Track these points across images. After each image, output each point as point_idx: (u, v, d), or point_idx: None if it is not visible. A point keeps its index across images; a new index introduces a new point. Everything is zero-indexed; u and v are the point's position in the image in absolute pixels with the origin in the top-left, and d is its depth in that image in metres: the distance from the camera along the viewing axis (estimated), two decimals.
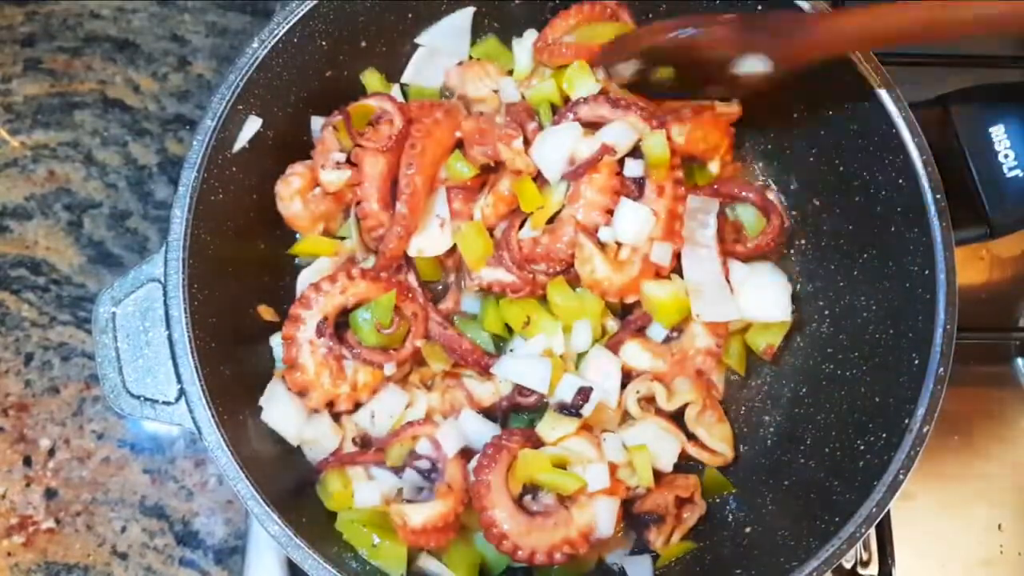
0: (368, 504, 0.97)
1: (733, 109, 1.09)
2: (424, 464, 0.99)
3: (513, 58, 1.15)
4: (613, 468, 0.98)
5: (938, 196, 0.91)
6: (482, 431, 1.00)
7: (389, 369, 1.00)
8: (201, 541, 1.13)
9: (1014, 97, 1.00)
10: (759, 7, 1.03)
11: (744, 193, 1.11)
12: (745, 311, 1.06)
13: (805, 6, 0.98)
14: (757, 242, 1.09)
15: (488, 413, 1.04)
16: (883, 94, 0.95)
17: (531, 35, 1.15)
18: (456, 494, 0.95)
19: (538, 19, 1.16)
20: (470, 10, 1.14)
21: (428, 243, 1.03)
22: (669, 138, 1.03)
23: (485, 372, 1.03)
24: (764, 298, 1.07)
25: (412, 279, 1.05)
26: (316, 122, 1.08)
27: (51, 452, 1.15)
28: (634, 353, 1.05)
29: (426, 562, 0.97)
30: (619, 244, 1.03)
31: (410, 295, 1.02)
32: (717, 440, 1.05)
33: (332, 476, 0.98)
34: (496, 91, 1.11)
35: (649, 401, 1.05)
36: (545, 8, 1.15)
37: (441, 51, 1.14)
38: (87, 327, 1.20)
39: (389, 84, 1.14)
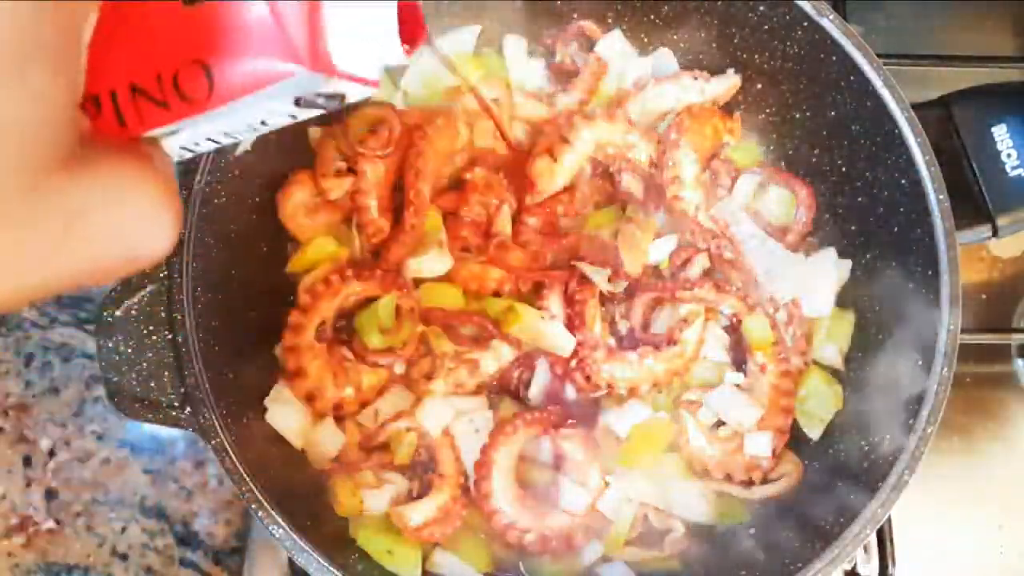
0: (379, 509, 0.97)
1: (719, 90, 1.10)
2: (424, 456, 1.00)
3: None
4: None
5: (941, 196, 0.91)
6: (468, 407, 1.01)
7: (400, 368, 1.00)
8: (201, 542, 1.13)
9: (1016, 97, 1.00)
10: (760, 7, 1.03)
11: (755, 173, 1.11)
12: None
13: (807, 7, 0.98)
14: (802, 221, 1.08)
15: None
16: (885, 94, 0.95)
17: (520, 42, 1.16)
18: (449, 479, 0.96)
19: (542, 40, 1.17)
20: (476, 28, 1.14)
21: (426, 265, 1.03)
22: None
23: (488, 338, 1.03)
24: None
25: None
26: (313, 131, 1.08)
27: (51, 453, 1.15)
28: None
29: (440, 557, 0.97)
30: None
31: (404, 290, 1.02)
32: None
33: (340, 483, 0.98)
34: (495, 100, 1.10)
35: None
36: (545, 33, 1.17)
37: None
38: (88, 328, 1.19)
39: (395, 86, 1.14)
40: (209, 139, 0.42)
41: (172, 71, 0.38)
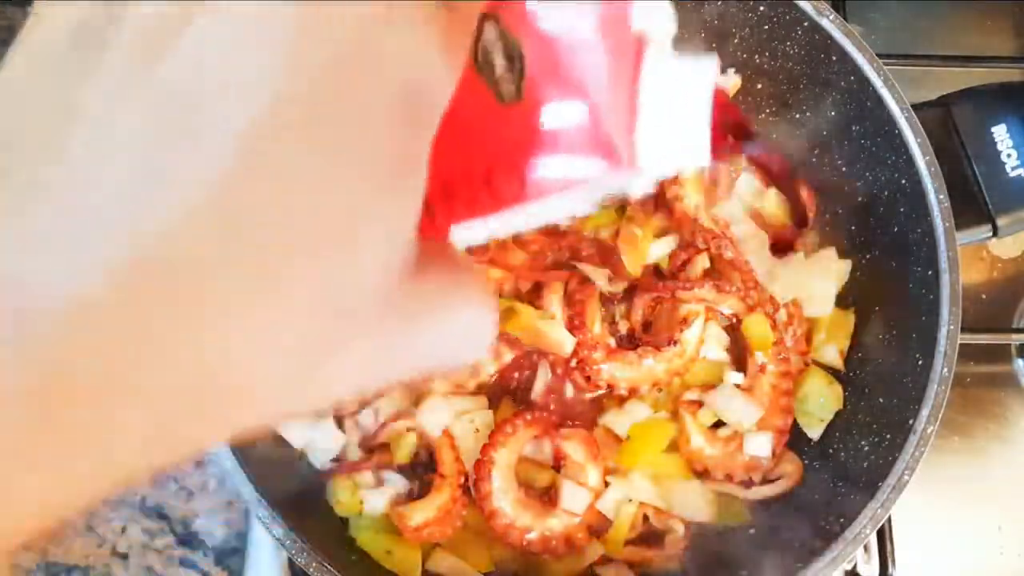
0: (379, 509, 0.97)
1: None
2: (424, 456, 1.00)
3: None
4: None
5: (941, 196, 0.91)
6: (468, 407, 1.01)
7: None
8: (201, 542, 1.13)
9: (1016, 97, 1.00)
10: (760, 7, 1.03)
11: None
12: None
13: (807, 7, 0.98)
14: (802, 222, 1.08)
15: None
16: (885, 94, 0.95)
17: None
18: (449, 479, 0.96)
19: None
20: None
21: None
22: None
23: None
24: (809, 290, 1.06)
25: None
26: None
27: None
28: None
29: (440, 557, 0.97)
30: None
31: None
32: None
33: (340, 483, 0.98)
34: None
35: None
36: None
37: None
38: None
39: None
40: (490, 233, 0.41)
41: (486, 170, 0.37)
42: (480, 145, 0.38)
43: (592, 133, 0.37)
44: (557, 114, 0.37)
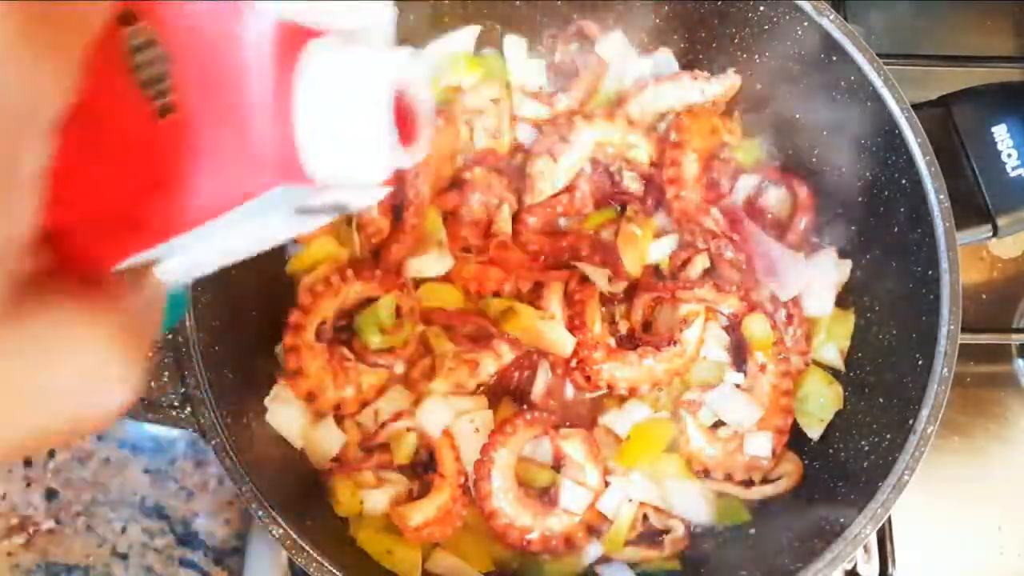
0: (379, 509, 0.97)
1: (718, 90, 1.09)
2: (424, 456, 1.00)
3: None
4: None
5: (941, 196, 0.91)
6: (468, 407, 1.01)
7: (400, 368, 1.00)
8: (201, 542, 1.13)
9: (1016, 97, 1.00)
10: (760, 7, 1.03)
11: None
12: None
13: (807, 7, 0.98)
14: (802, 221, 1.08)
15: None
16: (885, 94, 0.95)
17: (520, 42, 1.16)
18: (449, 479, 0.96)
19: (542, 40, 1.17)
20: (476, 28, 1.14)
21: (426, 265, 1.03)
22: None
23: (488, 338, 1.03)
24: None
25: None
26: None
27: (51, 453, 1.15)
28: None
29: (440, 557, 0.97)
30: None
31: (404, 290, 1.02)
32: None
33: (340, 483, 0.98)
34: (495, 100, 1.10)
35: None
36: (545, 33, 1.16)
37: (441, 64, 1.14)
38: None
39: None
40: (213, 258, 0.37)
41: (140, 193, 0.33)
42: (133, 167, 0.33)
43: (245, 145, 0.33)
44: (209, 126, 0.33)
